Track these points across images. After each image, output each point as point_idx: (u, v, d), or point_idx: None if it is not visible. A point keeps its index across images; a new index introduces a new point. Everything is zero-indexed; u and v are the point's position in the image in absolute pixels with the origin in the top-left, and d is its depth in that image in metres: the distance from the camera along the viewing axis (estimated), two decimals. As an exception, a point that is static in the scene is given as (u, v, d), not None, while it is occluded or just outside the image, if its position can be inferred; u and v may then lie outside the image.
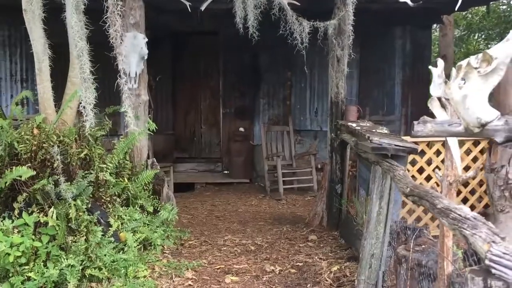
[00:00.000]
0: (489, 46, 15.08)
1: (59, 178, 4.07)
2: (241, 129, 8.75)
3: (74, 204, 4.10)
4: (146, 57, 5.36)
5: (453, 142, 2.97)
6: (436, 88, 3.08)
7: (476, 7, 13.73)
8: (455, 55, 12.18)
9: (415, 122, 2.25)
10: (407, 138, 4.78)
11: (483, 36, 14.73)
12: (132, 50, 5.25)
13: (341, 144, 5.57)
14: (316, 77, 8.78)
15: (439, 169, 5.53)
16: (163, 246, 5.00)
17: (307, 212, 6.76)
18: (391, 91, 8.92)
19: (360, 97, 8.76)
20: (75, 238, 4.06)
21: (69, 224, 4.09)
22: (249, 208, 7.11)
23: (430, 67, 3.23)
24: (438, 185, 5.50)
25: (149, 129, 5.36)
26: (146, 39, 5.34)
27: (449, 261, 3.15)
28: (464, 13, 14.11)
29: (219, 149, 9.19)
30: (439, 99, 3.08)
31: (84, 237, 4.11)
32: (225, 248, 5.19)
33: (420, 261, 3.42)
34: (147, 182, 5.10)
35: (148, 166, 5.60)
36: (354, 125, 4.83)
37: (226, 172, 8.80)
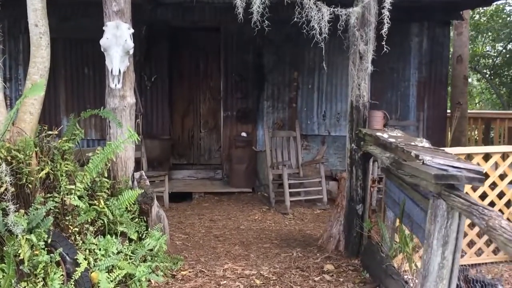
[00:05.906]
0: (496, 47, 13.94)
1: (7, 207, 2.92)
2: (243, 133, 7.59)
3: (28, 240, 2.95)
4: (131, 52, 4.21)
5: None
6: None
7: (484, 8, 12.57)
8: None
9: None
10: (449, 150, 3.71)
11: (490, 37, 13.55)
12: (114, 43, 4.09)
13: (364, 157, 4.43)
14: (325, 78, 7.63)
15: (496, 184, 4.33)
16: (150, 281, 3.87)
17: (317, 229, 5.64)
18: (406, 93, 7.77)
19: (372, 99, 7.56)
20: (28, 285, 2.92)
21: (21, 267, 2.95)
22: (252, 224, 5.95)
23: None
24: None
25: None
26: (132, 30, 4.19)
27: None
28: (471, 13, 12.93)
29: (220, 155, 8.04)
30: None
31: (42, 282, 2.97)
32: (224, 281, 4.05)
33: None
34: (130, 203, 3.95)
35: (135, 181, 4.46)
36: (385, 136, 3.69)
37: (226, 179, 7.64)
